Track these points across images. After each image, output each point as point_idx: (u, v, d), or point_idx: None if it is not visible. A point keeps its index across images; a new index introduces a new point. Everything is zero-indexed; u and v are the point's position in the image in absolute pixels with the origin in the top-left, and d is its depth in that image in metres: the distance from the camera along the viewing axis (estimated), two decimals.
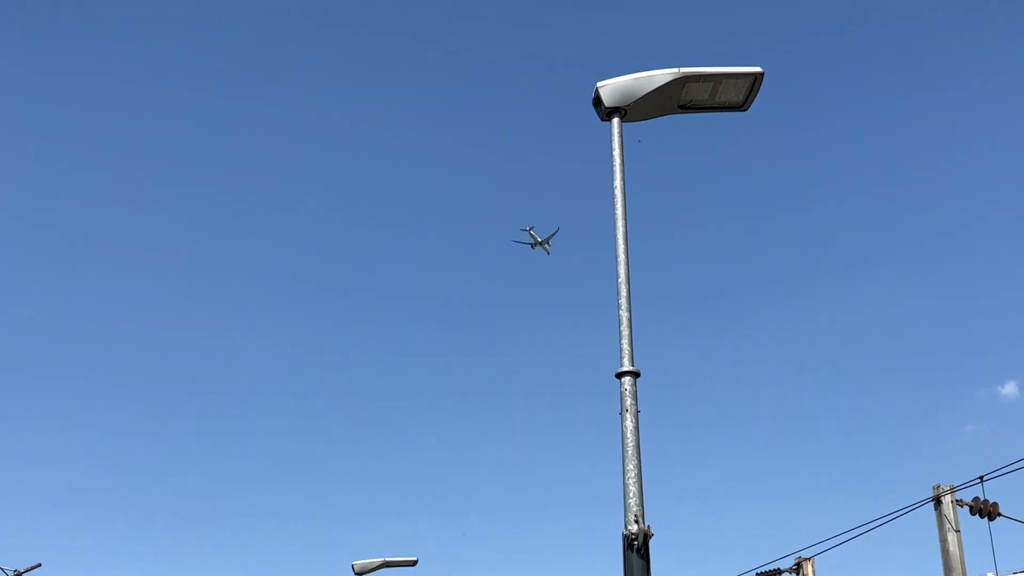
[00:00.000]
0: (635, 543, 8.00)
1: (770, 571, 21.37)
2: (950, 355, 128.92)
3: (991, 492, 17.39)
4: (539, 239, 58.24)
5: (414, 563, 26.22)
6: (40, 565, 27.97)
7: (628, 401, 8.54)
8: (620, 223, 9.12)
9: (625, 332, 8.80)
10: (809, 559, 21.35)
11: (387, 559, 25.83)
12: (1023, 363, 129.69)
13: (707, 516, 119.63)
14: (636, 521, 8.10)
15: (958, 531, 17.77)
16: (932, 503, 17.90)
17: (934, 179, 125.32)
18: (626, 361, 8.71)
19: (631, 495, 8.19)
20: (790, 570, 21.44)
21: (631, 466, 8.29)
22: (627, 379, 8.65)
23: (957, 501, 17.81)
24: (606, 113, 9.51)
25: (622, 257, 9.01)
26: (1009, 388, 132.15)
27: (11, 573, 27.56)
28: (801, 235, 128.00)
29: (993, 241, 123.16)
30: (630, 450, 8.36)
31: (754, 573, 21.41)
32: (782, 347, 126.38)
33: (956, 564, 17.69)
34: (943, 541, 17.90)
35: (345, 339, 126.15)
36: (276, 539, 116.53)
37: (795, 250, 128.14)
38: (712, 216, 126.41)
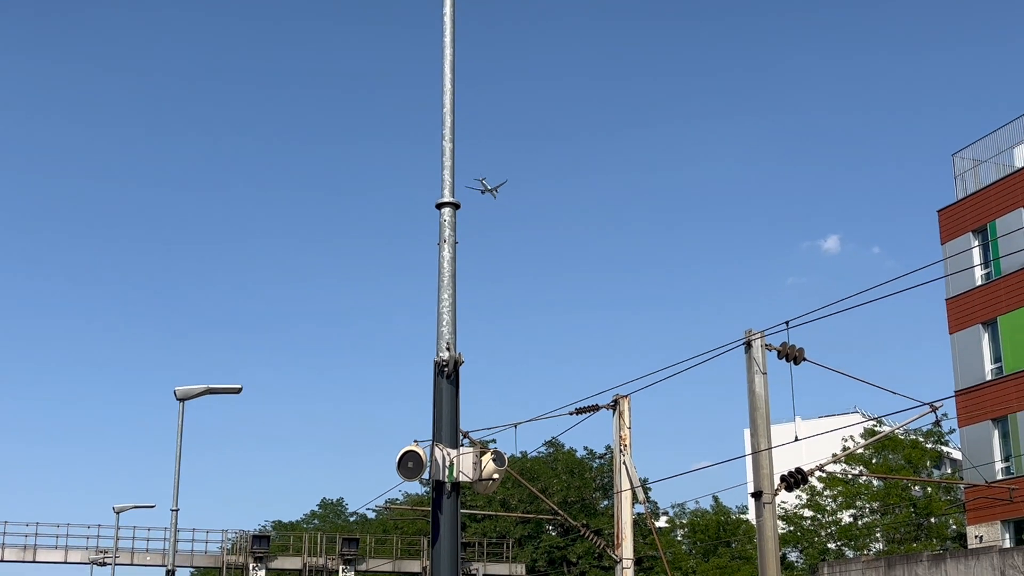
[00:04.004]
0: (446, 369, 8.12)
1: (588, 407, 22.03)
2: (774, 209, 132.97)
3: (803, 340, 18.22)
4: (488, 187, 69.04)
5: (238, 391, 25.98)
6: None
7: (447, 232, 8.54)
8: (448, 51, 8.90)
9: (448, 163, 8.69)
10: (626, 396, 22.11)
11: (211, 386, 25.55)
12: (846, 218, 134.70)
13: (528, 353, 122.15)
14: (448, 348, 8.21)
15: (765, 373, 18.62)
16: (743, 346, 18.67)
17: (759, 45, 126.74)
18: (447, 192, 8.67)
19: (444, 323, 8.27)
20: (607, 407, 22.17)
21: (446, 295, 8.35)
22: (447, 210, 8.61)
23: (766, 345, 18.61)
24: None
25: (448, 86, 8.81)
26: (831, 242, 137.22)
27: None
28: (639, 91, 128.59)
29: (820, 102, 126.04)
30: (446, 279, 8.40)
31: (573, 408, 22.04)
32: (612, 194, 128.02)
33: (761, 404, 18.59)
34: (751, 383, 18.75)
35: (201, 174, 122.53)
36: (97, 361, 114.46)
37: (630, 104, 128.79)
38: (548, 60, 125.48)
